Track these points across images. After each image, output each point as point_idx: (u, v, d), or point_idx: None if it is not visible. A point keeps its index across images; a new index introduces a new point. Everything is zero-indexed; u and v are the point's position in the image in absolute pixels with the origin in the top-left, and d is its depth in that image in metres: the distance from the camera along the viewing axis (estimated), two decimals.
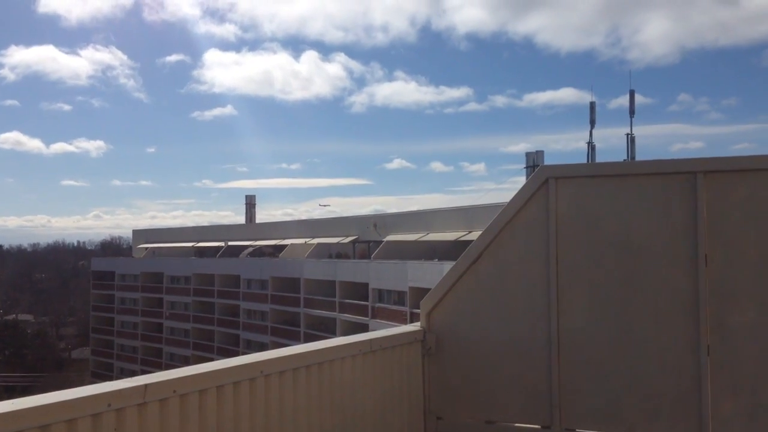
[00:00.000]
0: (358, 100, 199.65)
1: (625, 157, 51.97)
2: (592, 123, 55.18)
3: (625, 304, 5.54)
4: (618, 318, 5.55)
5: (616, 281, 5.57)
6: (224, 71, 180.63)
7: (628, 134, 54.66)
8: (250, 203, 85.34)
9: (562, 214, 5.71)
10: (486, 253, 5.93)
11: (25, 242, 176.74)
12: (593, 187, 5.72)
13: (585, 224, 5.69)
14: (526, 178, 6.20)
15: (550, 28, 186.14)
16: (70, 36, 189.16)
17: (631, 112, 55.30)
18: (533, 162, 55.20)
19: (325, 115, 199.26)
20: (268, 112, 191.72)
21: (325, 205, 62.14)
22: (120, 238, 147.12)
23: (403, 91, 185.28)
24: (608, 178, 5.71)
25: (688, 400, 5.33)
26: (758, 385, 5.20)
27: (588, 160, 50.54)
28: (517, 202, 5.87)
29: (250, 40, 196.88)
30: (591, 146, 55.11)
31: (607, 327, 5.58)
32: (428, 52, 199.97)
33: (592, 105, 55.93)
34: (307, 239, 67.65)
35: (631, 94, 55.82)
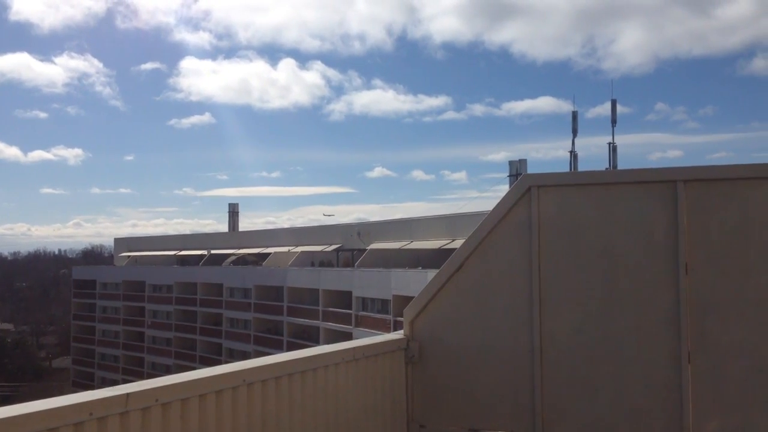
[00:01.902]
0: (337, 108, 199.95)
1: (607, 166, 52.26)
2: (575, 132, 55.33)
3: (607, 312, 5.57)
4: (600, 326, 5.58)
5: (598, 289, 5.61)
6: (201, 79, 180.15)
7: (609, 143, 54.83)
8: (234, 211, 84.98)
9: (545, 222, 5.75)
10: (469, 262, 5.96)
11: (5, 250, 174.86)
12: (575, 196, 5.77)
13: (567, 233, 5.73)
14: (510, 187, 6.24)
15: (525, 38, 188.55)
16: (43, 43, 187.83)
17: (613, 121, 55.51)
18: (516, 170, 55.38)
19: (304, 123, 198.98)
20: (246, 120, 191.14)
21: (329, 215, 61.73)
22: (101, 246, 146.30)
23: (381, 99, 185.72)
24: (590, 187, 5.75)
25: (670, 410, 5.37)
26: (739, 395, 5.25)
27: (570, 169, 50.78)
28: (500, 210, 5.90)
29: (225, 48, 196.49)
30: (573, 155, 55.37)
31: (588, 335, 5.61)
32: (405, 60, 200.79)
33: (575, 114, 56.04)
34: (290, 247, 67.47)
35: (613, 103, 56.11)
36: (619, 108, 55.39)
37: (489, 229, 5.90)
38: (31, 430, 3.14)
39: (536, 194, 5.76)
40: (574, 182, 5.90)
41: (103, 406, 3.48)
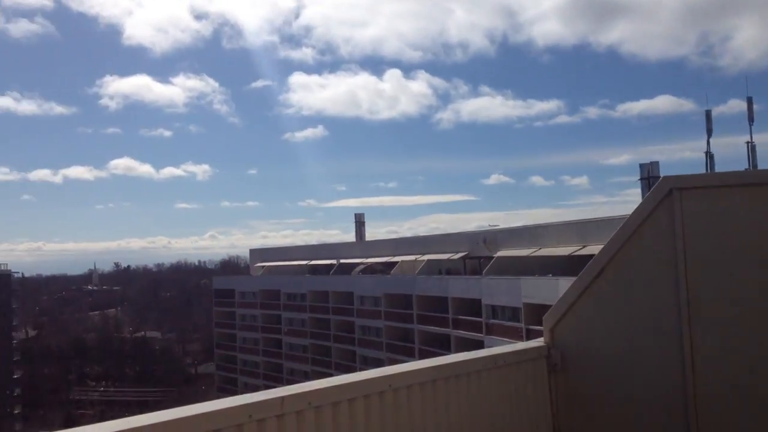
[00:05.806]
0: (445, 117, 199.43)
1: (747, 166, 49.31)
2: (709, 132, 52.53)
3: (765, 325, 5.25)
4: (757, 340, 5.26)
5: (754, 296, 5.29)
6: (310, 93, 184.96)
7: (748, 142, 51.79)
8: (360, 221, 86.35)
9: (690, 226, 5.50)
10: (609, 268, 5.80)
11: (150, 262, 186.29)
12: (723, 198, 5.47)
13: (716, 237, 5.44)
14: (641, 191, 6.05)
15: (633, 38, 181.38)
16: (158, 66, 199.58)
17: (750, 119, 52.37)
18: (648, 174, 53.04)
19: (414, 133, 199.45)
20: (358, 132, 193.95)
21: (494, 225, 61.35)
22: (237, 257, 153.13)
23: (489, 105, 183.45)
24: (741, 188, 5.44)
25: None
26: None
27: (707, 170, 48.20)
28: (639, 214, 5.71)
29: (329, 63, 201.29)
30: (709, 155, 52.59)
31: (747, 346, 5.29)
32: (510, 66, 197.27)
33: (708, 113, 53.19)
34: (417, 256, 67.84)
35: (749, 101, 52.91)
36: (745, 105, 51.94)
37: (629, 235, 5.73)
38: (199, 430, 3.38)
39: (679, 197, 5.53)
40: (722, 183, 5.59)
41: (261, 409, 3.68)
